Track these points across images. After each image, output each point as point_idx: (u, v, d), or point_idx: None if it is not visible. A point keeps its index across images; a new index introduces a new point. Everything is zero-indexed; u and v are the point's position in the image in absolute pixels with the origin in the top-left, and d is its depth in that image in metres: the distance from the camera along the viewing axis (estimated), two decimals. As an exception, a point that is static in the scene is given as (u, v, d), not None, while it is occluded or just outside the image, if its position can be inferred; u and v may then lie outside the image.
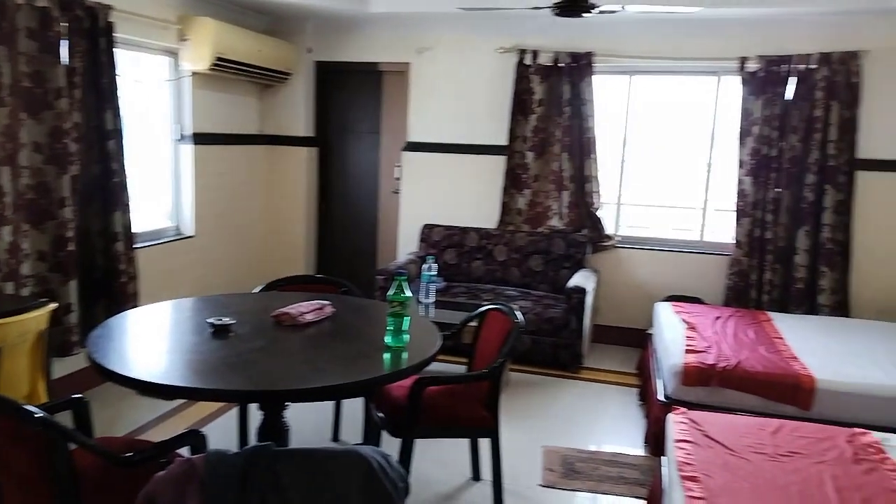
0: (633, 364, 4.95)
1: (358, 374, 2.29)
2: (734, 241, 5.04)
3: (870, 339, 4.05)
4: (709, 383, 3.51)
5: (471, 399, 2.91)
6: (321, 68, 5.88)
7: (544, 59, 5.25)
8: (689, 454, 2.45)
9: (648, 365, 4.28)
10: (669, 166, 5.49)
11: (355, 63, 5.77)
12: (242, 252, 5.72)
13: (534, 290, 5.25)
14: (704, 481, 2.25)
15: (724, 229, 5.25)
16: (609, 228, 5.41)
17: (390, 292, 2.49)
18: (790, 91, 4.78)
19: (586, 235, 5.34)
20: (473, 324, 3.24)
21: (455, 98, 5.57)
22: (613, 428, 3.97)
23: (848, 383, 3.39)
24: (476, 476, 3.23)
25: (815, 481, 2.30)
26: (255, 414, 2.64)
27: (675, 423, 2.74)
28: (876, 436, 2.67)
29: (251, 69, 5.11)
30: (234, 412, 3.64)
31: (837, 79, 4.68)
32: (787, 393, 3.43)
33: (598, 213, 5.34)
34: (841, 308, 4.87)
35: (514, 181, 5.46)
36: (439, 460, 3.36)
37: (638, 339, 5.11)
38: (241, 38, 4.93)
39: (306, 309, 2.75)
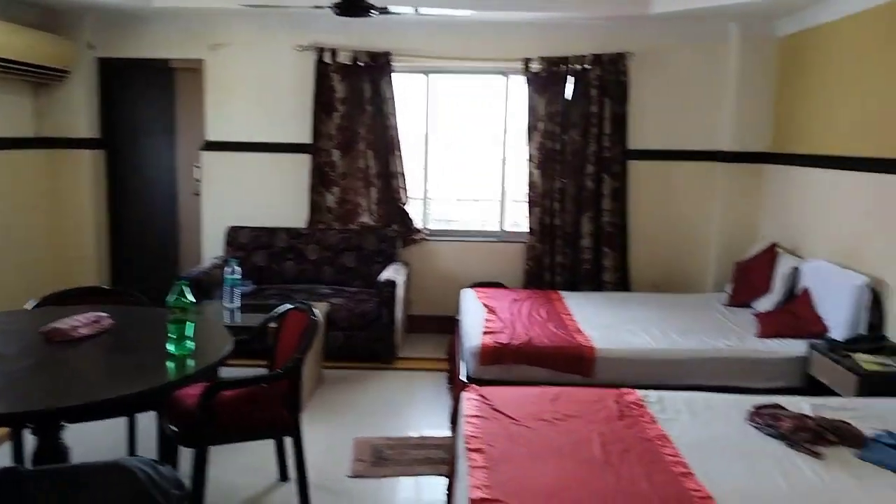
0: (444, 350, 5.15)
1: (136, 386, 2.19)
2: (528, 229, 5.42)
3: (645, 310, 4.54)
4: (503, 361, 3.77)
5: (271, 400, 2.88)
6: (105, 65, 5.47)
7: (343, 58, 5.29)
8: (476, 427, 2.61)
9: (455, 349, 4.50)
10: (470, 161, 5.78)
11: (144, 60, 5.44)
12: (20, 268, 5.17)
13: (347, 287, 5.28)
14: (488, 451, 2.42)
15: (519, 219, 5.63)
16: (418, 223, 5.58)
17: (170, 298, 2.40)
18: (569, 89, 5.22)
19: (396, 230, 5.46)
20: (275, 325, 3.21)
21: (255, 96, 5.45)
22: (423, 413, 4.12)
23: (622, 350, 3.80)
24: (283, 477, 3.20)
25: (585, 439, 2.56)
26: (32, 439, 2.42)
27: (467, 401, 2.90)
28: (640, 394, 3.01)
29: (17, 66, 4.63)
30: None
31: (609, 78, 5.19)
32: (572, 363, 3.78)
33: (406, 209, 5.49)
34: (622, 284, 5.43)
35: (321, 179, 5.45)
36: (245, 466, 3.29)
37: (450, 326, 5.33)
38: (2, 33, 4.45)
39: (80, 323, 2.57)
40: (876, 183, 3.84)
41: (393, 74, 5.29)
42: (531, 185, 5.36)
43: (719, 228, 5.35)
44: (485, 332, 3.97)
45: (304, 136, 5.42)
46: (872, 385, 3.11)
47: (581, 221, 5.38)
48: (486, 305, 4.54)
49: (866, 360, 3.27)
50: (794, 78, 4.86)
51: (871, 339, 3.55)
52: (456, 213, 6.06)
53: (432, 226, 5.74)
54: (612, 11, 4.81)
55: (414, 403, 4.25)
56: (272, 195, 5.56)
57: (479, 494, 2.11)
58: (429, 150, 5.61)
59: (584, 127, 5.27)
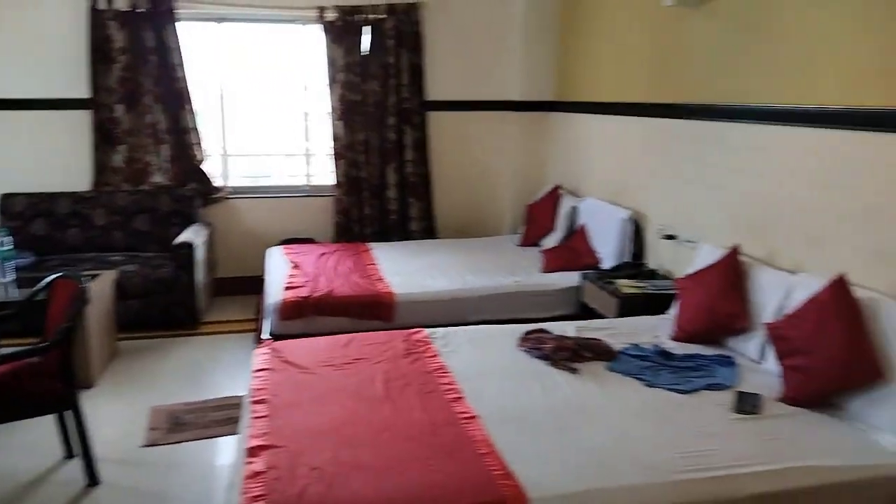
0: (253, 311, 5.06)
1: None
2: (335, 182, 5.42)
3: (447, 255, 4.75)
4: (305, 314, 3.80)
5: (40, 375, 2.69)
6: None
7: (121, 4, 4.87)
8: (262, 381, 2.63)
9: (262, 308, 4.44)
10: (272, 115, 5.61)
11: None
12: None
13: (142, 252, 4.98)
14: (271, 401, 2.45)
15: (326, 172, 5.60)
16: (217, 180, 5.36)
17: None
18: (365, 41, 5.21)
19: (194, 189, 5.21)
20: (44, 297, 2.98)
21: (19, 47, 4.87)
22: (228, 375, 4.03)
23: (419, 293, 3.97)
24: (69, 454, 3.03)
25: (369, 379, 2.67)
26: None
27: (258, 356, 2.91)
28: (427, 332, 3.18)
29: None
30: None
31: (404, 28, 5.24)
32: (373, 310, 3.89)
33: (203, 166, 5.25)
34: (429, 232, 5.62)
35: (105, 137, 5.04)
36: (26, 445, 3.07)
37: (260, 286, 5.23)
38: None
39: None
40: (634, 126, 4.27)
41: (179, 22, 4.96)
42: (335, 137, 5.34)
43: (513, 174, 5.68)
44: (286, 288, 3.96)
45: (82, 90, 4.96)
46: (629, 306, 3.52)
47: (386, 173, 5.46)
48: (291, 262, 4.52)
49: (625, 285, 3.68)
50: (570, 28, 5.22)
51: (633, 265, 3.99)
52: (260, 169, 5.90)
53: (235, 183, 5.55)
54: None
55: (218, 367, 4.15)
56: (49, 157, 5.06)
57: (254, 443, 2.14)
58: (225, 103, 5.37)
59: (383, 78, 5.31)
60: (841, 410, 2.35)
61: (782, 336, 2.52)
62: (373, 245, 5.05)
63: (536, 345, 2.91)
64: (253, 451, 2.10)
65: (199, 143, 5.20)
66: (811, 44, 2.81)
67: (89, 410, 2.93)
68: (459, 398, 2.48)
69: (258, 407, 2.41)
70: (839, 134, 2.66)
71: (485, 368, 2.76)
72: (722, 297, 2.95)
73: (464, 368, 2.75)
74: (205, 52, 5.25)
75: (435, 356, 2.89)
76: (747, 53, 3.21)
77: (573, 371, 2.73)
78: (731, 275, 3.00)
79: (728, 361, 2.77)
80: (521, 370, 2.74)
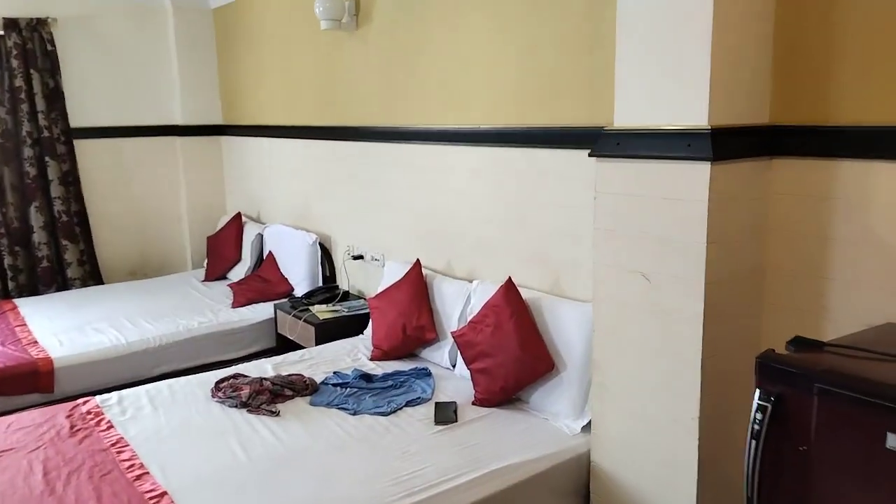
0: None
1: None
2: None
3: (118, 302, 4.16)
4: (-73, 403, 2.99)
5: None
6: None
7: None
8: None
9: None
10: None
11: None
12: None
13: None
14: None
15: (-57, 219, 4.54)
16: None
17: None
18: (-20, 58, 4.35)
19: None
20: None
21: None
22: None
23: (83, 354, 3.41)
24: None
25: (24, 474, 2.17)
26: None
27: None
28: (97, 400, 2.72)
29: None
30: None
31: (31, 46, 4.48)
32: (26, 382, 3.24)
33: None
34: (94, 278, 4.89)
35: None
36: None
37: None
38: None
39: None
40: (309, 149, 4.23)
41: None
42: (-49, 176, 4.35)
43: (188, 204, 5.26)
44: None
45: None
46: (327, 331, 3.45)
47: (29, 214, 4.62)
48: None
49: (321, 311, 3.61)
50: (230, 51, 5.00)
51: (326, 289, 3.94)
52: None
53: None
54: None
55: None
56: None
57: None
58: None
59: (12, 104, 4.48)
60: (525, 404, 2.56)
61: (467, 342, 2.67)
62: (20, 301, 4.23)
63: (231, 393, 2.67)
64: None
65: None
66: (458, 71, 3.05)
67: None
68: (144, 474, 2.14)
69: None
70: (493, 150, 2.92)
71: (172, 432, 2.44)
72: (410, 312, 3.04)
73: (147, 436, 2.40)
74: None
75: (110, 428, 2.47)
76: (405, 78, 3.37)
77: (274, 414, 2.55)
78: (416, 289, 3.10)
79: (424, 373, 2.86)
80: (215, 426, 2.48)
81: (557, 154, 2.62)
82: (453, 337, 2.76)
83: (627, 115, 2.00)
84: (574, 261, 2.60)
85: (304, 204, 4.38)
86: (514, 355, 2.50)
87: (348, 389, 2.73)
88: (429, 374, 2.84)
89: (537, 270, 2.76)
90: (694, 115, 1.84)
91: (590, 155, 2.08)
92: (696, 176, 1.83)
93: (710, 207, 1.82)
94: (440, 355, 2.99)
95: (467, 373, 2.70)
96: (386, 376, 2.85)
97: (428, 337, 3.00)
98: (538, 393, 2.51)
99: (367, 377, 2.82)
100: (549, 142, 2.64)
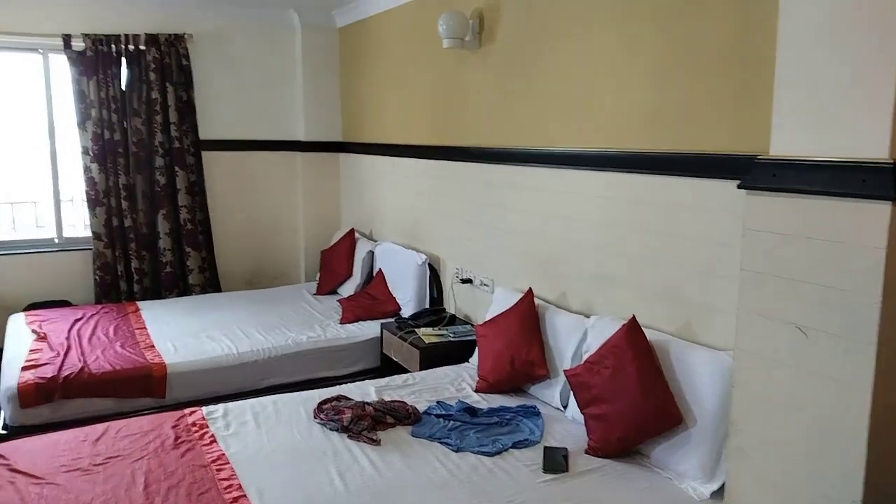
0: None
1: None
2: (92, 234, 4.68)
3: (233, 311, 4.24)
4: (52, 398, 3.12)
5: None
6: None
7: None
8: (-23, 505, 2.03)
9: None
10: (9, 156, 4.74)
11: None
12: None
13: None
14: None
15: (82, 222, 4.83)
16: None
17: None
18: (124, 72, 4.60)
19: None
20: None
21: None
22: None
23: (196, 361, 3.46)
24: None
25: (126, 484, 2.17)
26: None
27: (-26, 469, 2.26)
28: (203, 411, 2.72)
29: None
30: None
31: (168, 61, 4.71)
32: (140, 386, 3.32)
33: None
34: (212, 285, 5.05)
35: None
36: None
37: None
38: None
39: None
40: (424, 168, 4.16)
41: None
42: (90, 181, 4.61)
43: (305, 218, 5.34)
44: (25, 367, 3.24)
45: None
46: (432, 356, 3.34)
47: (157, 220, 4.83)
48: (36, 332, 3.75)
49: (427, 334, 3.50)
50: (353, 69, 5.04)
51: (433, 311, 3.84)
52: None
53: (-39, 239, 4.58)
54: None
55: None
56: None
57: None
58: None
59: (147, 115, 4.71)
60: (646, 458, 2.31)
61: (582, 383, 2.46)
62: (144, 304, 4.40)
63: (333, 415, 2.59)
64: None
65: None
66: (586, 91, 2.86)
67: None
68: (241, 496, 2.09)
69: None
70: (620, 176, 2.70)
71: (272, 452, 2.38)
72: (520, 344, 2.86)
73: (248, 455, 2.35)
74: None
75: (212, 443, 2.45)
76: (528, 98, 3.22)
77: (374, 442, 2.45)
78: (527, 319, 2.92)
79: (533, 412, 2.66)
80: (315, 450, 2.40)
81: (694, 183, 2.37)
82: (566, 376, 2.56)
83: (786, 143, 1.75)
84: (710, 303, 2.33)
85: (415, 223, 4.32)
86: (636, 403, 2.26)
87: (451, 422, 2.58)
88: (537, 414, 2.65)
89: (665, 310, 2.51)
90: (872, 144, 1.57)
91: (739, 187, 1.83)
92: (871, 218, 1.55)
93: (888, 256, 1.54)
94: (550, 394, 2.78)
95: (580, 417, 2.48)
96: (491, 411, 2.68)
97: (538, 373, 2.81)
98: (662, 448, 2.26)
99: (471, 411, 2.67)
100: (684, 169, 2.40)
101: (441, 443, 2.45)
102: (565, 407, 2.71)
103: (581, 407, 2.46)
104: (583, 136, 2.89)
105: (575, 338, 2.74)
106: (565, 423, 2.61)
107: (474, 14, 3.52)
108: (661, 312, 2.52)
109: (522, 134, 3.27)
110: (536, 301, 3.01)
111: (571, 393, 2.57)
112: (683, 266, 2.44)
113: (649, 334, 2.41)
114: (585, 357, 2.57)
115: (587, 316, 2.79)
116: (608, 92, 2.74)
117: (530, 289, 3.05)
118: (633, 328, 2.40)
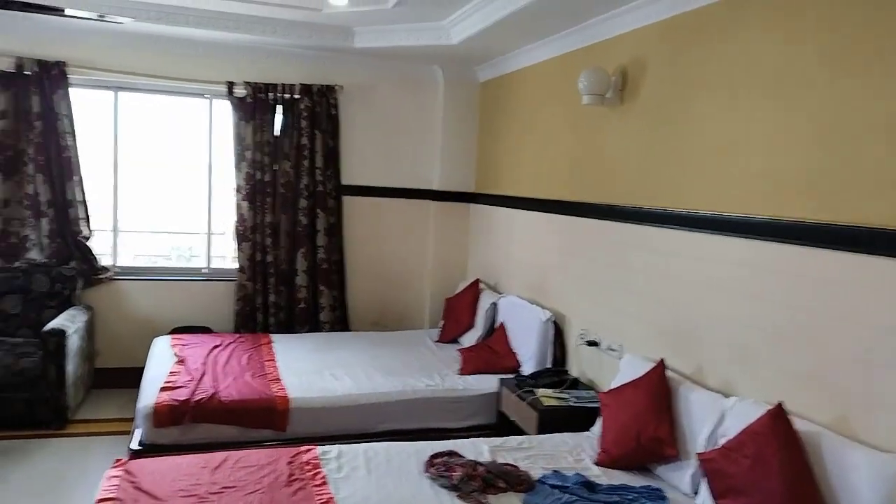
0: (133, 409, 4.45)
1: None
2: (238, 266, 4.97)
3: (357, 351, 4.33)
4: (182, 421, 3.28)
5: None
6: None
7: (4, 65, 4.43)
8: (102, 519, 2.13)
9: (137, 409, 3.87)
10: (170, 190, 5.19)
11: None
12: None
13: (10, 338, 4.35)
14: (106, 551, 1.95)
15: (229, 255, 5.16)
16: (104, 259, 4.83)
17: None
18: (278, 120, 4.92)
19: (75, 268, 4.65)
20: None
21: None
22: (92, 490, 3.42)
23: (317, 398, 3.52)
24: None
25: (239, 517, 2.21)
26: None
27: (107, 481, 2.40)
28: (318, 450, 2.74)
29: None
30: None
31: (319, 110, 4.99)
32: (263, 417, 3.41)
33: (88, 243, 4.72)
34: (341, 323, 5.20)
35: (-26, 208, 4.47)
36: None
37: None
38: None
39: None
40: (555, 223, 4.07)
41: (71, 88, 4.55)
42: (240, 217, 4.94)
43: (433, 265, 5.40)
44: (163, 388, 3.44)
45: (-51, 154, 4.42)
46: (550, 420, 3.19)
47: (296, 258, 5.07)
48: (177, 355, 4.00)
49: (546, 395, 3.36)
50: (491, 121, 5.10)
51: (554, 372, 3.69)
52: (154, 248, 5.40)
53: (123, 262, 5.02)
54: (317, 42, 4.62)
55: (82, 479, 3.49)
56: None
57: None
58: (119, 175, 4.90)
59: (296, 159, 5.00)
60: (786, 564, 2.04)
61: (718, 470, 2.23)
62: (276, 337, 4.59)
63: (444, 471, 2.52)
64: None
65: (87, 218, 4.70)
66: (733, 152, 2.68)
67: None
68: (344, 547, 2.05)
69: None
70: (767, 245, 2.48)
71: (380, 502, 2.34)
72: (648, 419, 2.66)
73: (355, 502, 2.32)
74: (101, 121, 4.81)
75: (323, 484, 2.45)
76: (669, 157, 3.07)
77: (484, 506, 2.34)
78: (657, 393, 2.72)
79: (657, 495, 2.44)
80: (423, 505, 2.34)
81: (862, 260, 2.12)
82: (700, 459, 2.33)
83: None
84: (874, 395, 2.05)
85: (541, 278, 4.22)
86: (779, 501, 2.00)
87: (567, 496, 2.42)
88: (663, 498, 2.42)
89: (817, 398, 2.24)
90: None
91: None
92: None
93: None
94: (679, 477, 2.55)
95: (712, 507, 2.24)
96: (611, 489, 2.49)
97: (666, 452, 2.59)
98: (807, 556, 1.98)
99: (589, 485, 2.49)
100: (850, 244, 2.15)
101: (554, 516, 2.30)
102: (695, 493, 2.46)
103: (715, 496, 2.22)
104: (726, 200, 2.70)
105: (711, 419, 2.50)
106: (694, 511, 2.38)
107: (616, 71, 3.44)
108: (811, 400, 2.25)
109: (661, 194, 3.11)
110: (668, 373, 2.80)
111: (704, 479, 2.33)
112: (837, 350, 2.17)
113: (796, 423, 2.15)
114: (722, 442, 2.33)
115: (726, 396, 2.55)
116: (757, 153, 2.55)
117: (662, 359, 2.84)
118: (778, 416, 2.15)
